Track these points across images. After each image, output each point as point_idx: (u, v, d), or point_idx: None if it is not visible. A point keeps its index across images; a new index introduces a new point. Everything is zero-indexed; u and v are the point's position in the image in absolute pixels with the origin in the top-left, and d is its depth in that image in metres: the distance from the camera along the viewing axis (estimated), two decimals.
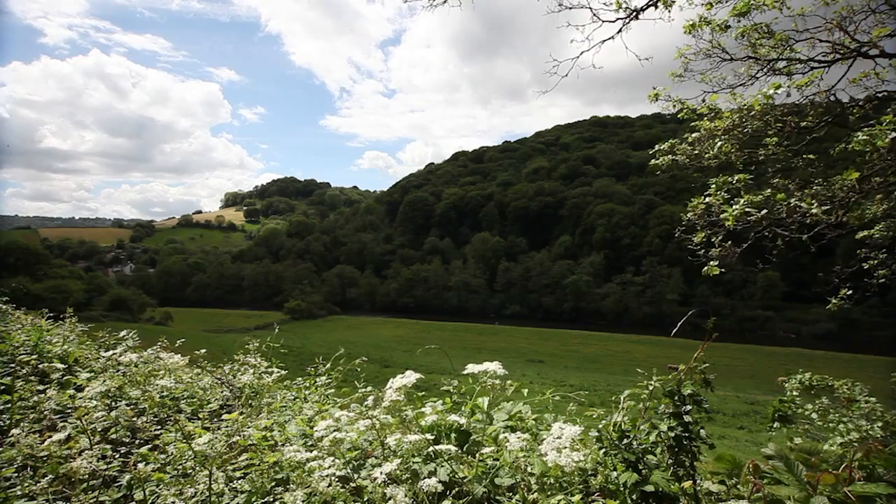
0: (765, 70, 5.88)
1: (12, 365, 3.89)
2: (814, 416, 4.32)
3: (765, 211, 5.10)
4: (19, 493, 2.16)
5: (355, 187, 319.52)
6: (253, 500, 2.21)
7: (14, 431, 2.48)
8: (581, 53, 6.31)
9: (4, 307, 6.48)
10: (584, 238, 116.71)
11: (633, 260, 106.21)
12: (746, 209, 5.14)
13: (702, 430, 2.43)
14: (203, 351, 4.48)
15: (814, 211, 4.85)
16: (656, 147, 6.58)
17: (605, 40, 6.26)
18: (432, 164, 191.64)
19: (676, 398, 2.44)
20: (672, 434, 2.39)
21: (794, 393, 4.62)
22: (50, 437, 2.47)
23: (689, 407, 2.43)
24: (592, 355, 70.29)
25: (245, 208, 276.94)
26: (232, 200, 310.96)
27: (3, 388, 3.37)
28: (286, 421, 3.13)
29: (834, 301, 6.44)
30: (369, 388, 3.41)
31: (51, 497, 2.16)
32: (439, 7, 6.95)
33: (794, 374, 4.82)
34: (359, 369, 4.39)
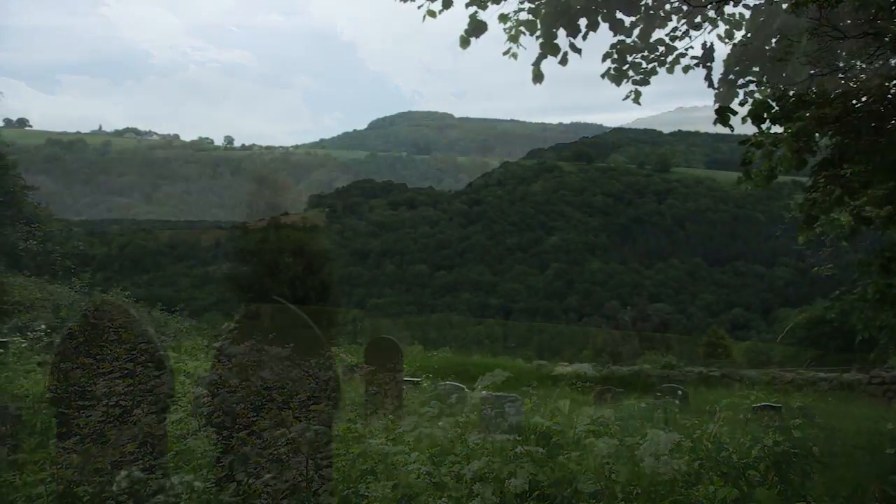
0: (888, 47, 5.18)
1: (134, 352, 4.37)
2: None
3: None
4: (142, 466, 2.42)
5: (430, 187, 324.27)
6: (340, 487, 2.31)
7: (135, 412, 2.78)
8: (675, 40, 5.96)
9: (127, 301, 7.30)
10: None
11: None
12: None
13: (814, 448, 2.19)
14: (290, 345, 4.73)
15: None
16: None
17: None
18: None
19: (784, 411, 2.22)
20: (778, 449, 2.18)
21: None
22: (165, 418, 2.75)
23: (798, 421, 2.21)
24: None
25: (327, 209, 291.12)
26: (316, 203, 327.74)
27: (126, 372, 3.79)
28: (368, 414, 3.24)
29: None
30: (448, 384, 3.44)
31: (167, 471, 2.40)
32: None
33: None
34: (435, 366, 4.46)
